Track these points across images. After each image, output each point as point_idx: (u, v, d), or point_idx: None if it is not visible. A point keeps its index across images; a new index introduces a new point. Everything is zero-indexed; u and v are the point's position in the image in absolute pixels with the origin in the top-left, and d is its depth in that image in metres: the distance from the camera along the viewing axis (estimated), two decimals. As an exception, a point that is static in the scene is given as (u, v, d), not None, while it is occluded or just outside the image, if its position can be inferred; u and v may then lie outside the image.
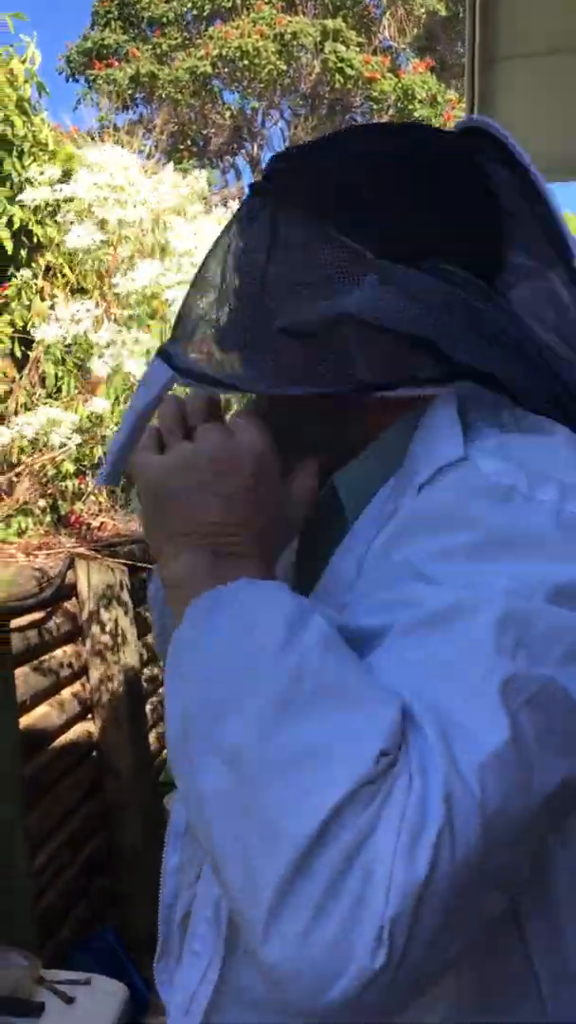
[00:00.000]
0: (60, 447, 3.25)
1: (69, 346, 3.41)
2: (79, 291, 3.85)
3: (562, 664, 0.55)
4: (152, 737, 3.77)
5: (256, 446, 0.68)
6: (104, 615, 3.35)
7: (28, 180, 3.87)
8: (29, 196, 3.65)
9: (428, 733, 0.51)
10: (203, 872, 0.77)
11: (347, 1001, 0.47)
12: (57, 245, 3.98)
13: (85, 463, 3.70)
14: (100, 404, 3.29)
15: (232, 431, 0.69)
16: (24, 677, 2.85)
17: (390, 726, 0.51)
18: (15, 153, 4.06)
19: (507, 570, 0.58)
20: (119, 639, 3.40)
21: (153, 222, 3.73)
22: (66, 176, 3.82)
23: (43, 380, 3.66)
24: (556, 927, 0.66)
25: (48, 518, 3.78)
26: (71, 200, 3.55)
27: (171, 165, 3.99)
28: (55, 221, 4.00)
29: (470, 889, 0.50)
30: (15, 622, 2.81)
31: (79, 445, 3.46)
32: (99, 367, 3.24)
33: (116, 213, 3.39)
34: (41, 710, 3.01)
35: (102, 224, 3.44)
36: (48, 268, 3.98)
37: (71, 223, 3.49)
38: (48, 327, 3.32)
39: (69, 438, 3.18)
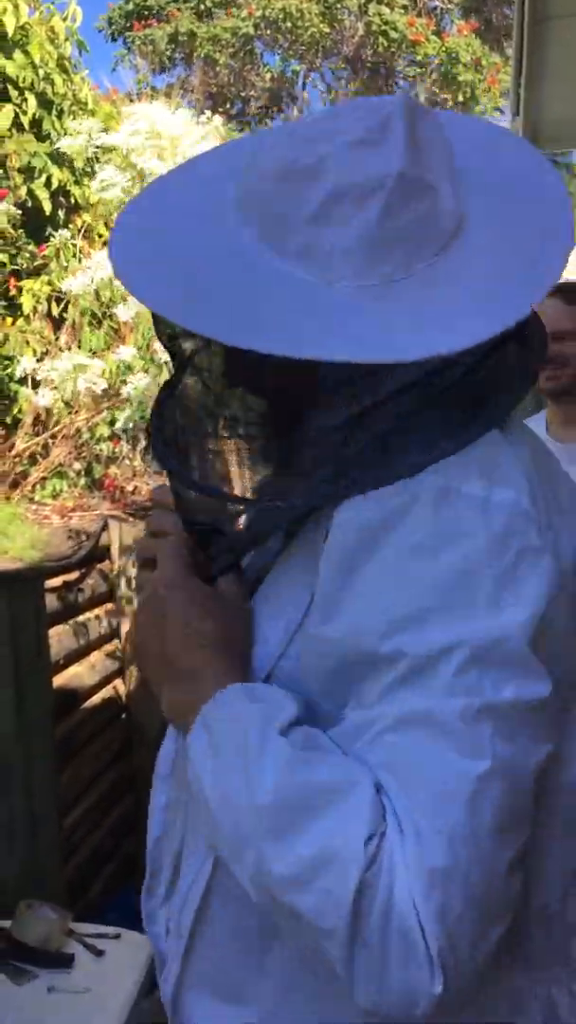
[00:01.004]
0: (88, 395, 3.25)
1: (98, 292, 3.39)
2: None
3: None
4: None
5: (155, 597, 0.78)
6: (132, 571, 3.37)
7: (67, 132, 3.85)
8: (66, 143, 3.62)
9: (408, 786, 0.64)
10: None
11: (429, 1013, 0.62)
12: (94, 206, 3.96)
13: (118, 427, 3.70)
14: (127, 352, 3.30)
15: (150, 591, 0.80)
16: (57, 637, 2.87)
17: (369, 808, 0.63)
18: (55, 112, 4.04)
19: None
20: (146, 593, 3.41)
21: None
22: (105, 133, 3.79)
23: (80, 343, 3.66)
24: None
25: (82, 481, 3.80)
26: (109, 151, 3.52)
27: (217, 119, 3.91)
28: (91, 180, 3.98)
29: (488, 890, 0.63)
30: (49, 582, 2.83)
31: (109, 407, 3.46)
32: (123, 313, 3.25)
33: (154, 163, 3.36)
34: (73, 670, 3.03)
35: (140, 175, 3.41)
36: (84, 229, 3.97)
37: (102, 172, 3.46)
38: (75, 279, 3.31)
39: (95, 383, 3.18)
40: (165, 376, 2.70)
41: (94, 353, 3.58)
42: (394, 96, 0.73)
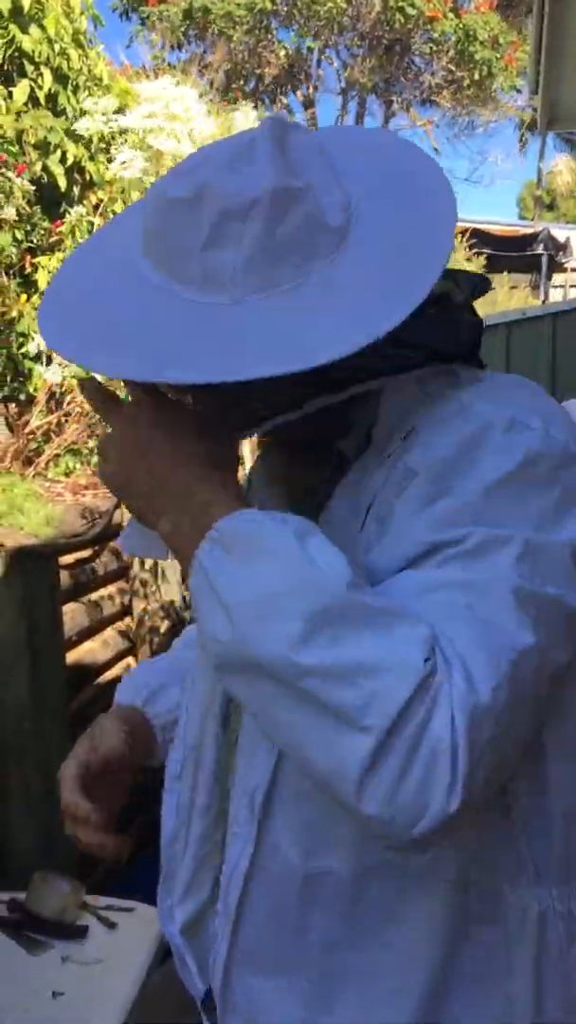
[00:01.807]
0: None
1: None
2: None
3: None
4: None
5: (136, 421, 0.78)
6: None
7: (83, 111, 3.82)
8: (83, 125, 3.60)
9: (460, 635, 0.67)
10: (237, 775, 0.88)
11: (429, 832, 0.65)
12: (109, 183, 3.94)
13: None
14: None
15: (119, 422, 0.80)
16: (71, 614, 2.89)
17: (426, 635, 0.66)
18: (70, 87, 4.02)
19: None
20: (159, 575, 3.42)
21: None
22: (120, 111, 3.77)
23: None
24: (545, 811, 0.81)
25: (95, 459, 3.80)
26: (125, 132, 3.50)
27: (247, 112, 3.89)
28: (108, 158, 3.96)
29: (508, 733, 0.68)
30: (63, 559, 2.84)
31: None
32: None
33: (169, 144, 3.34)
34: (87, 646, 3.05)
35: (157, 156, 3.39)
36: (99, 206, 3.95)
37: (121, 150, 3.44)
38: None
39: None
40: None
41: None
42: (264, 119, 0.79)
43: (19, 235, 3.62)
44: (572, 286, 13.16)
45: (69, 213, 3.75)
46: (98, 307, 0.79)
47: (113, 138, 3.66)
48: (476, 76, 12.07)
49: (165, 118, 3.37)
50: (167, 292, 0.76)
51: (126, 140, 3.52)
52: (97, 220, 3.85)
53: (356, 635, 0.65)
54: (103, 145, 3.96)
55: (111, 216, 3.92)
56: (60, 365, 3.31)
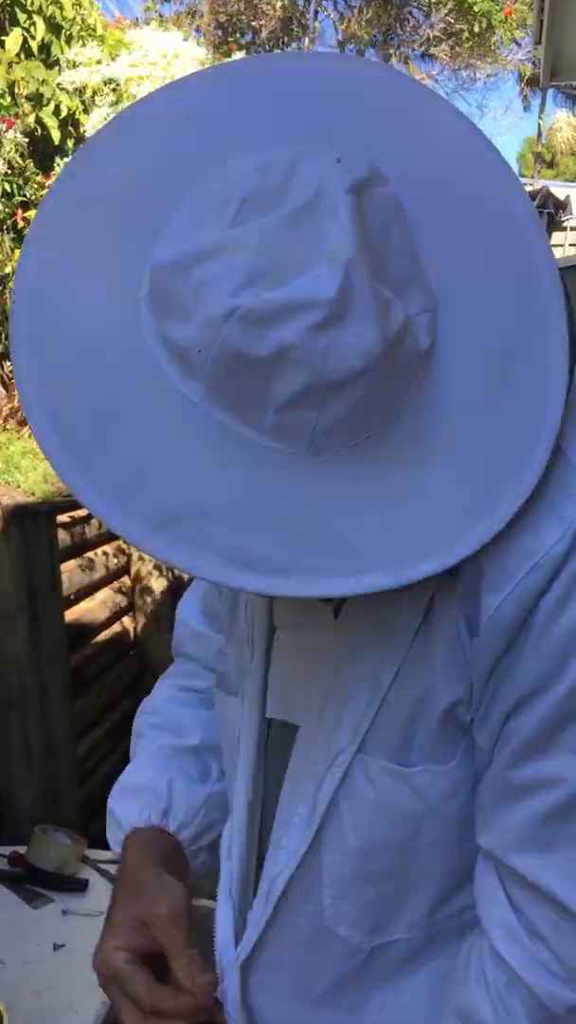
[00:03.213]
0: None
1: None
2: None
3: None
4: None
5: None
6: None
7: (71, 62, 3.75)
8: (68, 78, 3.53)
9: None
10: (288, 779, 0.81)
11: None
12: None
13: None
14: None
15: None
16: (69, 572, 2.89)
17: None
18: (64, 37, 3.93)
19: None
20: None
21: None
22: (104, 65, 3.70)
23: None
24: None
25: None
26: (111, 81, 3.43)
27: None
28: (98, 109, 3.88)
29: None
30: (60, 518, 2.83)
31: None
32: None
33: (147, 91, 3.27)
34: (84, 605, 3.06)
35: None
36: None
37: (110, 104, 3.38)
38: None
39: None
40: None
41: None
42: (332, 186, 0.57)
43: (10, 189, 3.56)
44: (572, 244, 13.05)
45: (58, 165, 3.70)
46: (146, 449, 0.60)
47: (97, 91, 3.59)
48: (475, 28, 11.85)
49: (147, 66, 3.29)
50: (231, 433, 0.60)
51: (113, 90, 3.44)
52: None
53: None
54: (95, 98, 3.88)
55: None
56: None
